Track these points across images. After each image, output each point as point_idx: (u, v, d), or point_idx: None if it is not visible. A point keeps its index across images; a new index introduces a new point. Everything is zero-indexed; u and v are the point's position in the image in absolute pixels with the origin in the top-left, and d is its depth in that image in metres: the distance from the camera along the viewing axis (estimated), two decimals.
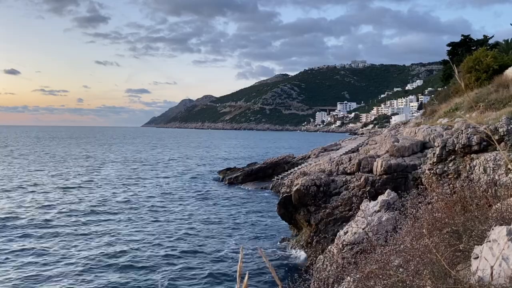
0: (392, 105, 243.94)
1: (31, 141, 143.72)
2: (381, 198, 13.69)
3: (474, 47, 41.11)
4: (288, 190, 21.65)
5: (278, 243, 22.10)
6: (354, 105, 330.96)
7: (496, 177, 11.62)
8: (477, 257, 4.69)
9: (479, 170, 12.60)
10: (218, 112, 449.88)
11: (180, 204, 32.97)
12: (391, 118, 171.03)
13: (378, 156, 20.04)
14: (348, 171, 20.90)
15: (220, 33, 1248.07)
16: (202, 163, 68.74)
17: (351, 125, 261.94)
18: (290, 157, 48.36)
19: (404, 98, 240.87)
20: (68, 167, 58.64)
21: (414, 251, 5.75)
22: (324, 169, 22.88)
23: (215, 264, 19.01)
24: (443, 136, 16.71)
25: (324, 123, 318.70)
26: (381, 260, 6.39)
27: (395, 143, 19.47)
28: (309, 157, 46.25)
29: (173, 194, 37.57)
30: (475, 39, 44.34)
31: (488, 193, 7.56)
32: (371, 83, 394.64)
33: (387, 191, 14.08)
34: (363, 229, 12.42)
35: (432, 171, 14.01)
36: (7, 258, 19.03)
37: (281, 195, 22.69)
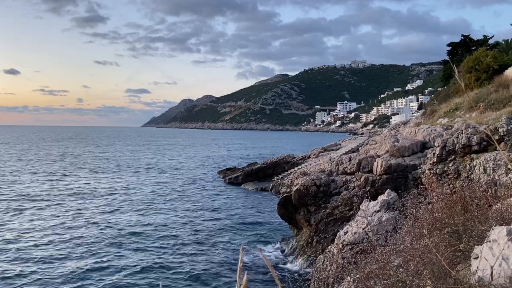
0: (392, 105, 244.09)
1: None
2: (381, 198, 13.69)
3: (474, 47, 41.12)
4: (288, 190, 21.64)
5: (278, 243, 22.10)
6: (354, 105, 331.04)
7: (496, 177, 11.62)
8: (477, 257, 4.69)
9: (479, 170, 12.60)
10: (218, 112, 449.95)
11: (180, 204, 32.95)
12: (391, 118, 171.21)
13: (378, 156, 20.03)
14: (348, 171, 20.89)
15: (219, 33, 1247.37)
16: (202, 163, 68.75)
17: (351, 125, 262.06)
18: (290, 157, 48.36)
19: (404, 98, 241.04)
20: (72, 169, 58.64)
21: (414, 251, 5.75)
22: (324, 169, 22.88)
23: (215, 264, 19.00)
24: (443, 136, 16.72)
25: (324, 123, 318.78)
26: (381, 260, 6.38)
27: (395, 143, 19.46)
28: (309, 157, 46.26)
29: (172, 194, 37.56)
30: (475, 39, 44.33)
31: (488, 193, 7.57)
32: (371, 83, 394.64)
33: (387, 191, 14.08)
34: (363, 229, 12.41)
35: (432, 171, 14.01)
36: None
37: (281, 195, 22.68)
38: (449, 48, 45.93)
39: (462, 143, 13.40)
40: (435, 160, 14.06)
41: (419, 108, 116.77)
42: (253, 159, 66.61)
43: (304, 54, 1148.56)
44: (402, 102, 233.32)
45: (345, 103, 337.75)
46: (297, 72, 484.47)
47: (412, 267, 5.38)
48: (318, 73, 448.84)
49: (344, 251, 12.12)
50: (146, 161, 71.07)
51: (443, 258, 4.77)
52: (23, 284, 16.30)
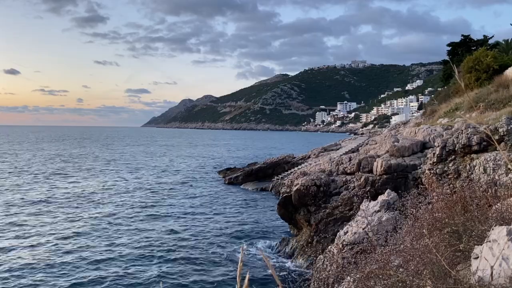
0: (392, 105, 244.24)
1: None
2: (381, 198, 13.69)
3: (474, 47, 41.11)
4: (288, 190, 21.65)
5: (278, 243, 22.09)
6: (354, 105, 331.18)
7: (496, 177, 11.62)
8: (477, 257, 4.69)
9: (479, 170, 12.61)
10: (218, 112, 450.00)
11: (179, 204, 32.96)
12: (391, 118, 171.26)
13: (378, 156, 20.03)
14: (348, 171, 20.89)
15: (219, 33, 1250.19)
16: (202, 163, 68.74)
17: (351, 125, 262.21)
18: (290, 157, 48.34)
19: (404, 98, 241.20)
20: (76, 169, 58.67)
21: (414, 251, 5.75)
22: (324, 169, 22.89)
23: (215, 264, 18.99)
24: (443, 136, 16.72)
25: (324, 123, 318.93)
26: (381, 260, 6.39)
27: (395, 143, 19.46)
28: (309, 157, 46.25)
29: (172, 194, 37.55)
30: (475, 39, 44.32)
31: (488, 193, 7.57)
32: (371, 83, 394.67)
33: (387, 191, 14.08)
34: (363, 229, 12.41)
35: (432, 171, 14.01)
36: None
37: (281, 195, 22.69)
38: (449, 48, 45.92)
39: (462, 143, 13.40)
40: (435, 160, 14.06)
41: (419, 108, 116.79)
42: (253, 159, 66.62)
43: (304, 54, 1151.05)
44: (402, 102, 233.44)
45: (345, 103, 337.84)
46: (297, 72, 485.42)
47: (412, 267, 5.38)
48: (318, 73, 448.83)
49: (344, 251, 12.12)
50: (146, 161, 71.06)
51: (443, 258, 4.77)
52: None
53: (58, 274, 17.28)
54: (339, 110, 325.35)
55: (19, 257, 19.18)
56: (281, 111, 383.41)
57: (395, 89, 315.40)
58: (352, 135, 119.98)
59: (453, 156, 13.70)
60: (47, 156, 78.11)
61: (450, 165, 13.59)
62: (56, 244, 21.43)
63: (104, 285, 16.32)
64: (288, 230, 23.50)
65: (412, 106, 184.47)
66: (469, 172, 12.84)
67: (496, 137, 12.27)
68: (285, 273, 17.42)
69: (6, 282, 16.31)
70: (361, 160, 20.31)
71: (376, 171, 18.94)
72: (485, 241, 4.71)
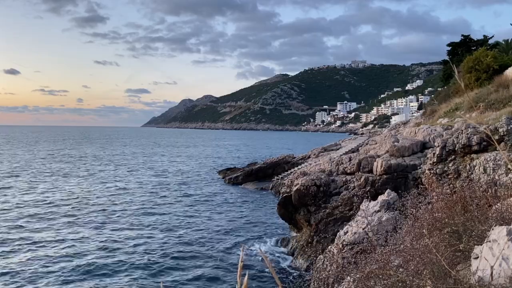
0: (392, 105, 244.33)
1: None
2: (381, 198, 13.68)
3: (474, 47, 41.12)
4: (288, 190, 21.64)
5: (278, 243, 22.10)
6: (354, 105, 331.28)
7: (496, 177, 11.62)
8: (477, 257, 4.69)
9: (479, 170, 12.60)
10: (218, 112, 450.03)
11: (180, 204, 32.96)
12: (391, 118, 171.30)
13: (378, 156, 20.03)
14: (348, 171, 20.89)
15: (219, 33, 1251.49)
16: (202, 163, 68.74)
17: (351, 125, 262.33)
18: (290, 157, 48.35)
19: (404, 98, 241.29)
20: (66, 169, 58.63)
21: (414, 251, 5.75)
22: (324, 169, 22.89)
23: (215, 264, 18.99)
24: (443, 136, 16.72)
25: (324, 123, 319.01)
26: (381, 260, 6.38)
27: (395, 143, 19.45)
28: (309, 157, 46.25)
29: (172, 194, 37.55)
30: (475, 39, 44.33)
31: (488, 193, 7.56)
32: (371, 83, 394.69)
33: (387, 191, 14.07)
34: (363, 229, 12.41)
35: (432, 171, 14.01)
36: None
37: (281, 195, 22.69)
38: (449, 48, 45.93)
39: (462, 143, 13.40)
40: (435, 160, 14.06)
41: (419, 108, 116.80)
42: (253, 159, 66.62)
43: (304, 54, 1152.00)
44: (402, 102, 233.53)
45: (345, 103, 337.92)
46: (297, 72, 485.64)
47: (412, 267, 5.38)
48: (318, 73, 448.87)
49: (344, 251, 12.11)
50: (146, 162, 71.06)
51: (443, 258, 4.77)
52: None
53: (58, 275, 17.28)
54: (339, 110, 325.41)
55: (16, 260, 19.17)
56: (281, 111, 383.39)
57: (395, 89, 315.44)
58: (352, 135, 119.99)
59: (453, 156, 13.70)
60: (46, 156, 78.11)
61: (450, 165, 13.59)
62: (55, 245, 21.42)
63: (104, 286, 16.31)
64: (288, 230, 23.51)
65: (412, 106, 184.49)
66: (469, 172, 12.84)
67: (496, 137, 12.27)
68: (285, 273, 17.42)
69: (3, 285, 16.31)
70: (361, 160, 20.31)
71: (376, 171, 18.93)
72: (485, 241, 4.71)
